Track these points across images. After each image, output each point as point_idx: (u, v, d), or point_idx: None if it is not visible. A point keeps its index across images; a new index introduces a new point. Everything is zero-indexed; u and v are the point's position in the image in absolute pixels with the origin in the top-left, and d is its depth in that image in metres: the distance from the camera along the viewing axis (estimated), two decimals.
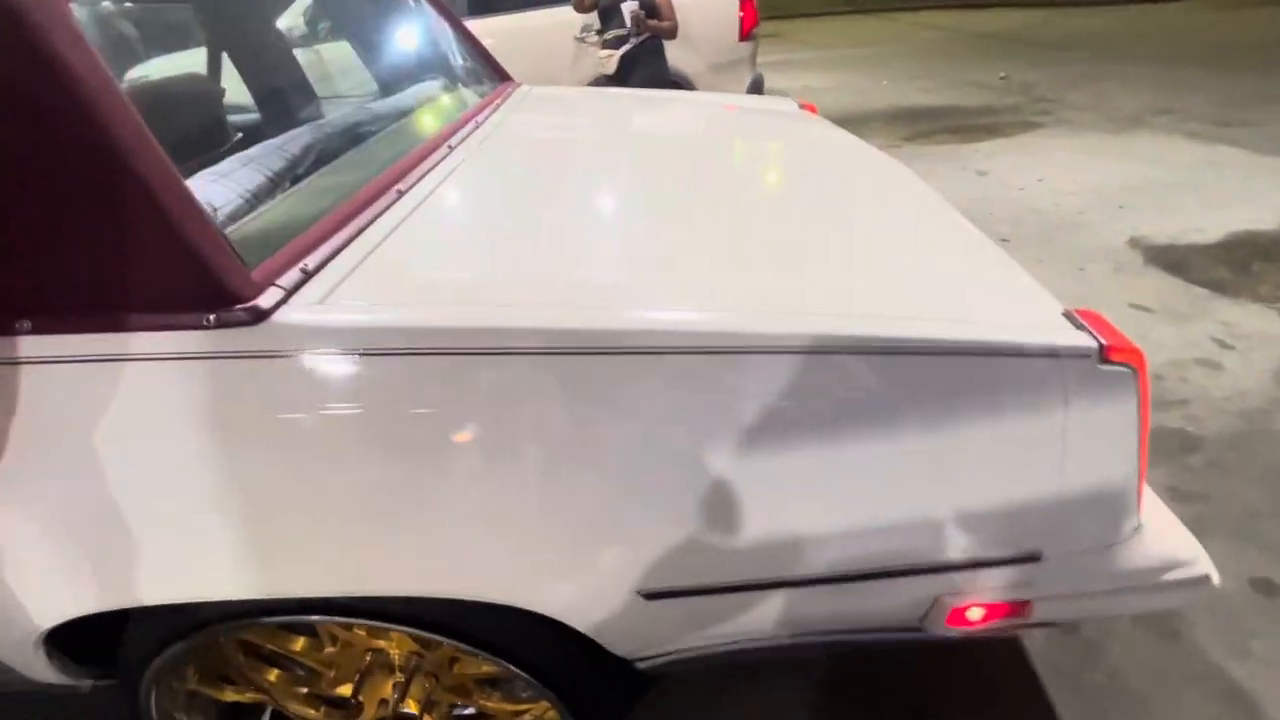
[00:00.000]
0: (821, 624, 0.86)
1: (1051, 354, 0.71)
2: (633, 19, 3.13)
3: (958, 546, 0.77)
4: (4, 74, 0.60)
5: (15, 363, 0.66)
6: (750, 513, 0.73)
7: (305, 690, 0.99)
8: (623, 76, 3.31)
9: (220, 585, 0.76)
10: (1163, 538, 0.85)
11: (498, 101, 1.67)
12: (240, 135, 1.39)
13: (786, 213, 1.16)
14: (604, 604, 0.80)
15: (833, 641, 0.88)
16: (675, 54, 3.52)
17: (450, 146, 1.27)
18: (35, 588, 0.77)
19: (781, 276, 0.88)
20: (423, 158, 1.17)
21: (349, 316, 0.71)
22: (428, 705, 1.03)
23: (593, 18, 3.35)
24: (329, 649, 0.96)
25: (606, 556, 0.77)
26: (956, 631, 0.84)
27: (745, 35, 3.89)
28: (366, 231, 0.87)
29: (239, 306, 0.66)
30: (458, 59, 1.84)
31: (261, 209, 0.90)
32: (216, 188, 0.89)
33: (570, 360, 0.70)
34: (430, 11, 1.80)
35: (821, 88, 6.28)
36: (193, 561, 0.75)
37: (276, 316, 0.68)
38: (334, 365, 0.69)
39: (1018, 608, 0.84)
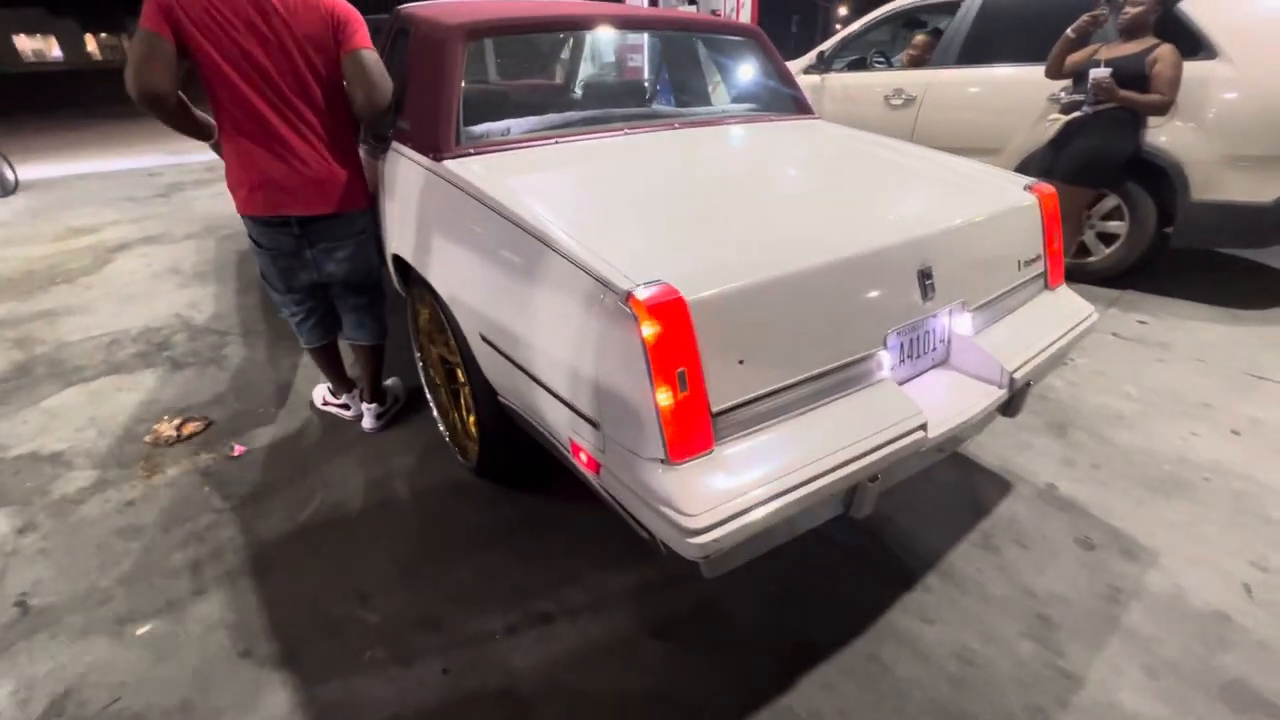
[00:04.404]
0: (526, 407, 1.46)
1: (604, 282, 1.13)
2: (1094, 86, 2.86)
3: (558, 381, 1.27)
4: (427, 58, 1.80)
5: (399, 154, 1.93)
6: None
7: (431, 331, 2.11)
8: (1059, 146, 3.07)
9: (413, 256, 1.91)
10: (692, 492, 1.09)
11: (766, 122, 2.28)
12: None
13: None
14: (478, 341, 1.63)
15: (540, 435, 1.46)
16: (1171, 132, 2.99)
17: (674, 128, 2.07)
18: (389, 235, 2.09)
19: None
20: (642, 128, 2.01)
21: (459, 171, 1.68)
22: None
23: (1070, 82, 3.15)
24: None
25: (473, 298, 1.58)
26: (586, 474, 1.28)
27: None
28: (530, 150, 1.81)
29: (440, 154, 1.74)
30: (771, 92, 2.47)
31: (511, 129, 1.93)
32: (517, 122, 1.98)
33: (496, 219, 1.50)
34: (769, 60, 2.47)
35: None
36: (405, 239, 1.93)
37: (446, 162, 1.72)
38: (445, 188, 1.70)
39: (596, 465, 1.25)
